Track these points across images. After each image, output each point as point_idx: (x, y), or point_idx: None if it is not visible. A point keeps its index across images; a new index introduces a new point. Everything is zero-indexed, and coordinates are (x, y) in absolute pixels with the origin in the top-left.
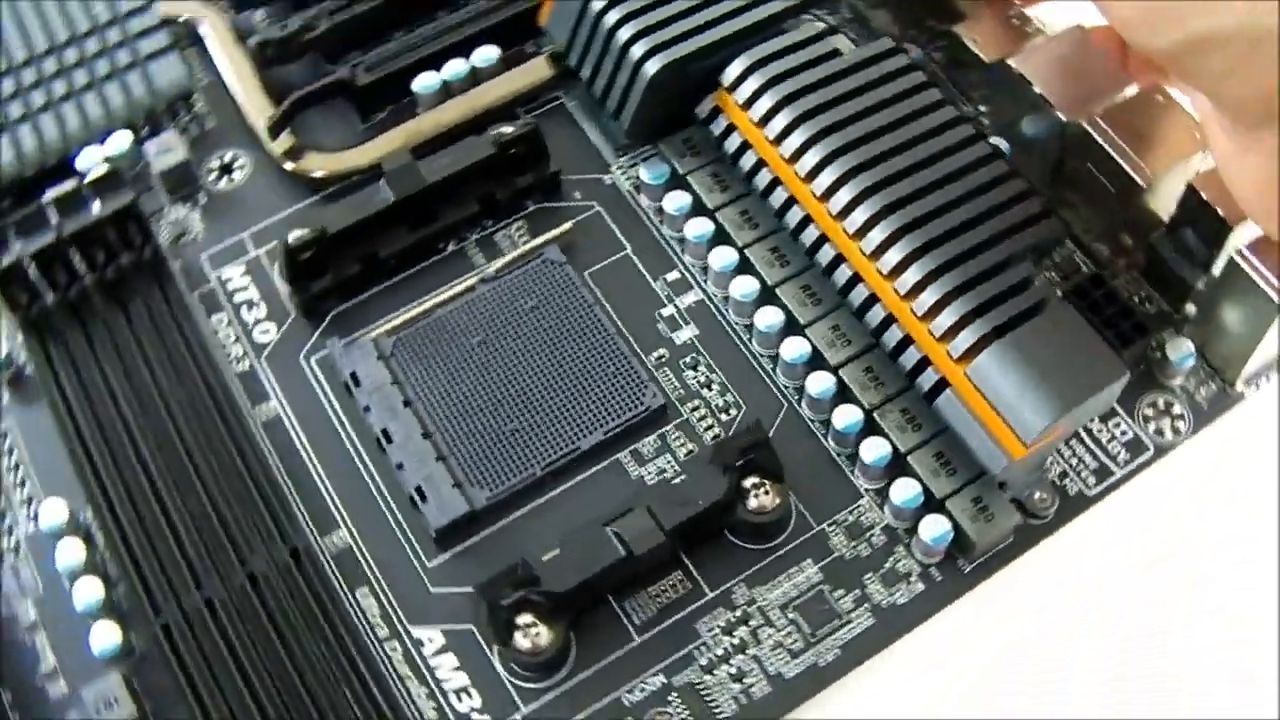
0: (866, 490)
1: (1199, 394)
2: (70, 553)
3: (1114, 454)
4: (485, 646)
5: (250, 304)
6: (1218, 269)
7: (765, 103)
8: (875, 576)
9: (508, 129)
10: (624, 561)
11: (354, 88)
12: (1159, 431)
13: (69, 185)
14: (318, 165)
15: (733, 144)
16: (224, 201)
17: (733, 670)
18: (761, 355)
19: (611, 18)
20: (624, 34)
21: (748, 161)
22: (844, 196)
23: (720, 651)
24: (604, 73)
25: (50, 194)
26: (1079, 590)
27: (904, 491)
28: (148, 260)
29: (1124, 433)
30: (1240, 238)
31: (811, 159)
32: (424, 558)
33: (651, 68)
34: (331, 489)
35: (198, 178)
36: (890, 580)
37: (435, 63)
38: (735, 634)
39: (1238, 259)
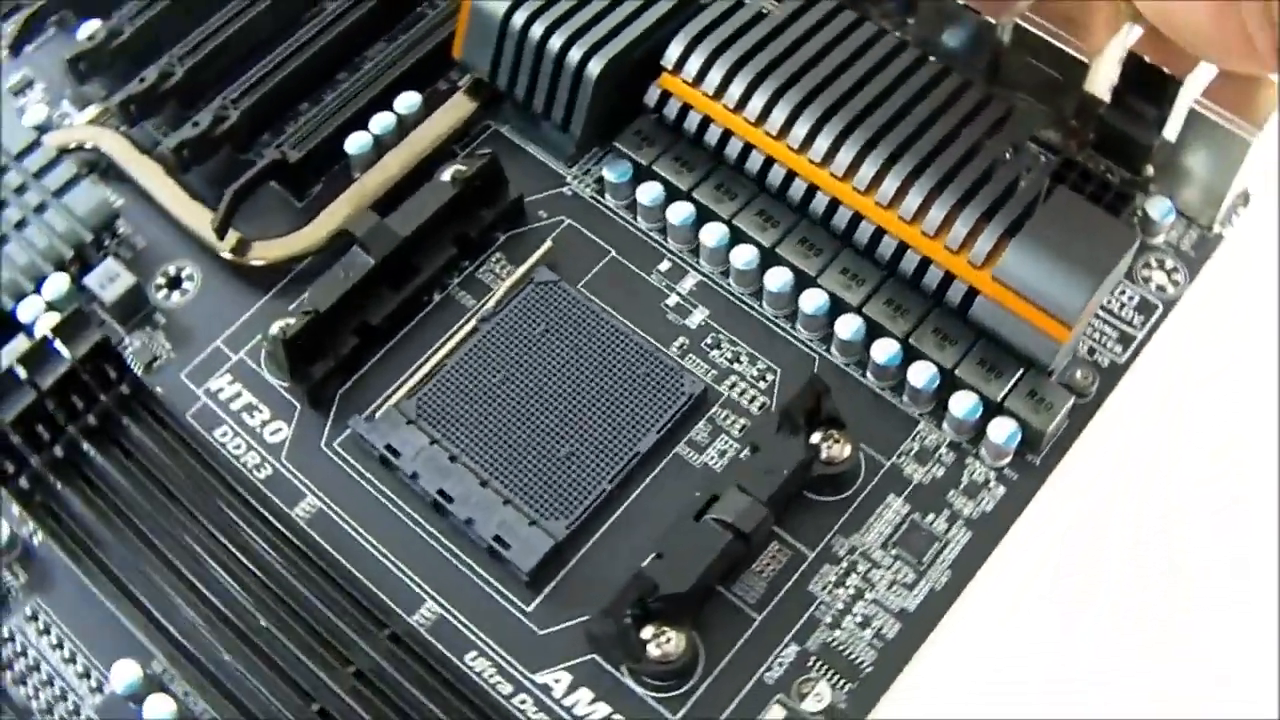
0: (920, 415)
1: (1184, 245)
2: (159, 709)
3: (1129, 319)
4: (614, 670)
5: (250, 409)
6: (1174, 126)
7: (716, 74)
8: (957, 493)
9: (462, 167)
10: (733, 544)
11: (287, 166)
12: (1160, 288)
13: (25, 340)
14: (274, 253)
15: (692, 123)
16: (184, 316)
17: (858, 619)
18: (776, 316)
19: (538, 30)
20: (556, 42)
21: (713, 135)
22: (824, 142)
23: (840, 605)
24: (542, 86)
25: (8, 352)
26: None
27: (962, 404)
28: (128, 394)
29: (1131, 298)
30: (1191, 90)
31: (780, 115)
32: (521, 603)
33: (595, 67)
34: (402, 565)
35: (149, 299)
36: (972, 492)
37: (359, 122)
38: (848, 585)
39: (1198, 109)
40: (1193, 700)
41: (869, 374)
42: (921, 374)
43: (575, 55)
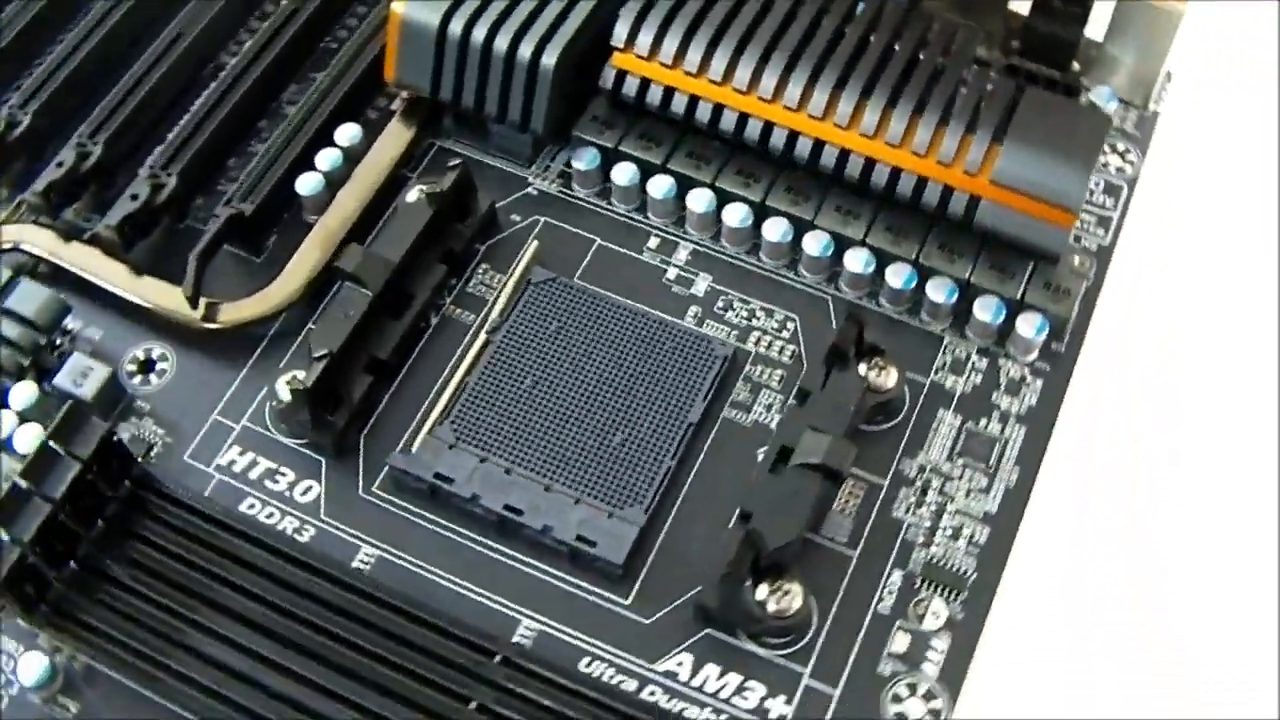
0: (943, 331)
1: (1128, 126)
2: None
3: (1102, 204)
4: (734, 639)
5: (272, 474)
6: (1101, 18)
7: (671, 42)
8: (1000, 393)
9: (426, 186)
10: (824, 485)
11: (243, 220)
12: (1119, 169)
13: (9, 458)
14: (251, 311)
15: (655, 95)
16: (168, 397)
17: (949, 532)
18: (778, 266)
19: (480, 32)
20: (502, 41)
21: (679, 104)
22: (796, 87)
23: (928, 523)
24: (493, 90)
25: (9, 468)
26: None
27: (987, 309)
28: (140, 487)
29: (1097, 182)
30: None
31: (746, 69)
32: (619, 598)
33: (549, 59)
34: (484, 590)
35: (125, 389)
36: (1013, 390)
37: (305, 163)
38: (929, 502)
39: None
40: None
41: (883, 301)
42: (940, 289)
43: (526, 51)
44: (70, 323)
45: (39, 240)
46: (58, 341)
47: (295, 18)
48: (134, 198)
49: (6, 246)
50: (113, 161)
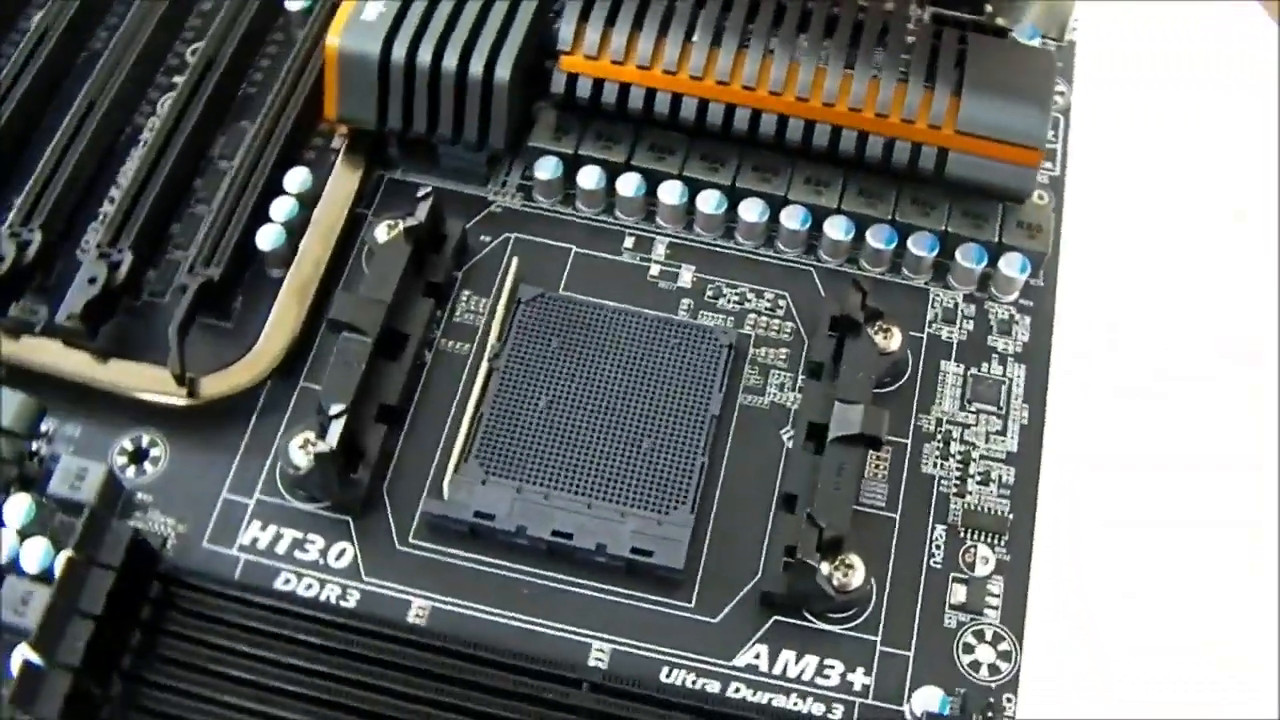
0: (927, 284)
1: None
2: None
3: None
4: (806, 620)
5: (299, 545)
6: None
7: (619, 38)
8: (994, 336)
9: (391, 220)
10: (865, 451)
11: (214, 286)
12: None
13: (27, 582)
14: (239, 378)
15: (610, 94)
16: (169, 483)
17: (978, 478)
18: (756, 246)
19: (425, 56)
20: (450, 61)
21: (636, 99)
22: (752, 65)
23: (957, 473)
24: (445, 112)
25: (36, 594)
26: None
27: (968, 257)
28: (167, 582)
29: None
30: None
31: (700, 55)
32: (682, 601)
33: (503, 72)
34: (547, 620)
35: (122, 483)
36: (1005, 329)
37: (260, 217)
38: (953, 453)
39: None
40: None
41: (865, 264)
42: (921, 244)
43: (477, 68)
44: (44, 425)
45: None
46: (35, 449)
47: (211, 70)
48: (91, 281)
49: None
50: (51, 247)
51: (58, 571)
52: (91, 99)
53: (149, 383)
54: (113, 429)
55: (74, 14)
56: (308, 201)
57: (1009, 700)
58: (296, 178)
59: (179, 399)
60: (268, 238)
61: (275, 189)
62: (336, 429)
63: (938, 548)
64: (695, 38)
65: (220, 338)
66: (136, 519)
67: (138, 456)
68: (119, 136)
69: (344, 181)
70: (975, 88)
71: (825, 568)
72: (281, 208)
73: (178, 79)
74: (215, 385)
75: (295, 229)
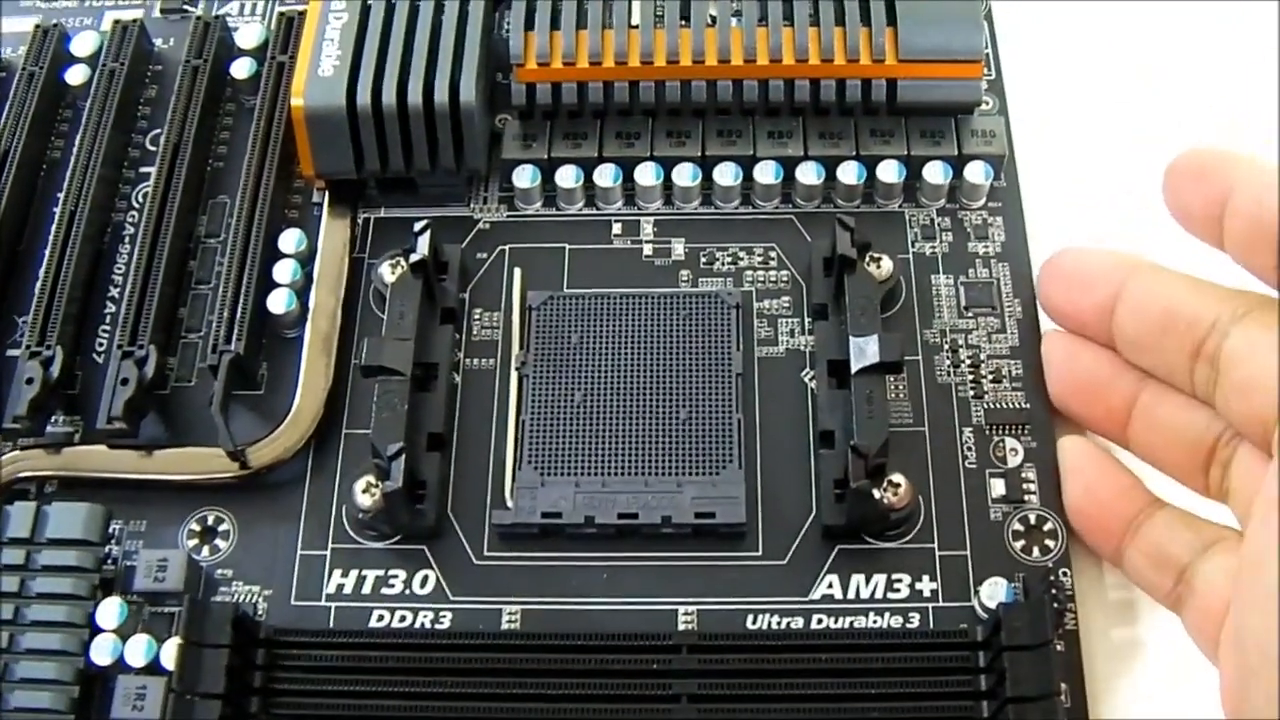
0: (900, 207)
1: None
2: None
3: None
4: (867, 542)
5: (383, 581)
6: None
7: (566, 40)
8: (974, 242)
9: (392, 259)
10: (885, 376)
11: (240, 361)
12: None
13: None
14: (286, 441)
15: (570, 95)
16: (244, 554)
17: (990, 378)
18: (735, 206)
19: (389, 97)
20: (415, 96)
21: (595, 94)
22: (697, 36)
23: (970, 376)
24: (419, 146)
25: (150, 685)
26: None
27: (935, 173)
28: (271, 646)
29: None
30: None
31: (647, 38)
32: (750, 551)
33: (467, 96)
34: (630, 596)
35: (201, 566)
36: (982, 234)
37: (265, 284)
38: (962, 358)
39: None
40: None
41: (839, 201)
42: (889, 171)
43: (442, 97)
44: (110, 526)
45: (39, 464)
46: (109, 553)
47: (179, 152)
48: (124, 381)
49: (5, 480)
50: (71, 358)
51: (166, 661)
52: (71, 209)
53: (200, 464)
54: (175, 516)
55: (27, 131)
56: (305, 259)
57: (1065, 575)
58: (290, 239)
59: (233, 473)
60: (279, 301)
61: (272, 254)
62: (399, 467)
63: (969, 449)
64: (637, 22)
65: (255, 406)
66: (222, 594)
67: (207, 535)
68: (104, 238)
69: (336, 232)
70: (908, 16)
71: (877, 491)
72: (284, 270)
73: (146, 169)
74: (265, 453)
75: (301, 288)
